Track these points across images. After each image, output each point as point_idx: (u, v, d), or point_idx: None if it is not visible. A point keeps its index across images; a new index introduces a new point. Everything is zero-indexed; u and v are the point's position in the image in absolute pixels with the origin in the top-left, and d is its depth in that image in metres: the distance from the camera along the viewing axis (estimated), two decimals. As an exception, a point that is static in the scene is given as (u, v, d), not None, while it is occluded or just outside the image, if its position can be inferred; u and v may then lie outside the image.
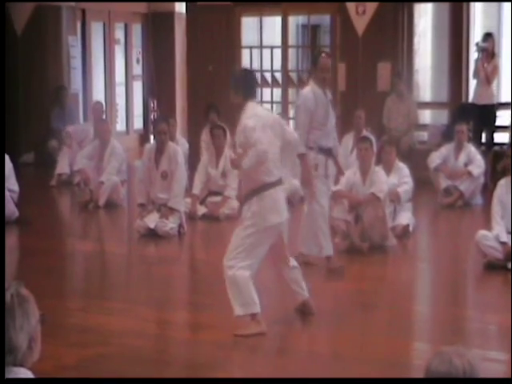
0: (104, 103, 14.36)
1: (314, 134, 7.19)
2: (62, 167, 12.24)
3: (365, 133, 10.79)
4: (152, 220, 8.83)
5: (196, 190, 9.96)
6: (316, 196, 7.22)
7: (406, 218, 8.84)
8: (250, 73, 6.12)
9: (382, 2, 12.73)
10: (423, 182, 10.21)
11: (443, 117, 13.09)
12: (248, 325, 5.60)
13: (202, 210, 9.87)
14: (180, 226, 8.95)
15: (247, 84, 5.76)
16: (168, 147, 9.07)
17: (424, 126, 13.15)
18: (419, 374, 4.85)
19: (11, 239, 9.31)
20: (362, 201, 8.18)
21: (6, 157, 9.47)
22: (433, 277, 7.51)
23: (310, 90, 7.25)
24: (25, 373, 2.65)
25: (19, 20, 14.42)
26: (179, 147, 9.66)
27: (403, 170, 9.03)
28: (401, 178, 8.96)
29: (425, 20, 13.65)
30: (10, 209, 9.40)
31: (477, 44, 11.98)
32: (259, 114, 5.73)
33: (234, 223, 9.73)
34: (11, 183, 9.51)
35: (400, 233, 8.62)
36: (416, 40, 13.31)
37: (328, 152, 7.31)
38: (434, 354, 2.39)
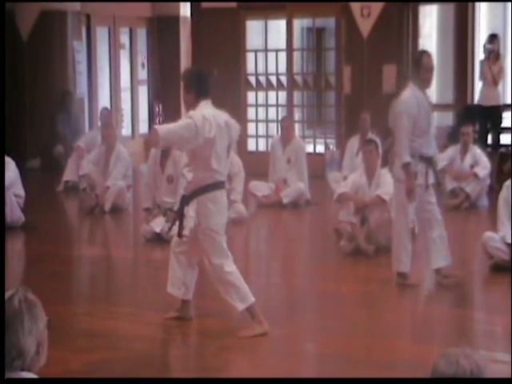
0: (109, 108, 14.39)
1: (416, 141, 6.74)
2: (70, 174, 12.26)
3: (370, 135, 10.79)
4: (158, 224, 8.83)
5: (202, 193, 9.94)
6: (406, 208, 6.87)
7: (411, 220, 8.81)
8: (202, 73, 6.09)
9: (387, 1, 12.72)
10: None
11: (449, 118, 13.07)
12: (251, 326, 5.60)
13: (207, 213, 9.86)
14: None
15: (200, 83, 5.74)
16: (173, 151, 9.07)
17: (429, 128, 13.12)
18: (425, 376, 4.85)
19: (17, 244, 9.33)
20: (368, 203, 8.18)
21: (13, 162, 9.48)
22: (438, 279, 7.48)
23: (411, 94, 6.79)
24: (32, 377, 2.66)
25: (25, 25, 14.46)
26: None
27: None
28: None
29: (430, 21, 13.65)
30: (17, 214, 9.42)
31: (484, 46, 11.98)
32: (210, 112, 5.72)
33: (240, 226, 9.79)
34: (17, 188, 9.53)
35: (406, 235, 8.58)
36: (421, 41, 13.30)
37: (429, 161, 6.90)
38: (439, 356, 2.38)
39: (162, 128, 5.68)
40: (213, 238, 5.69)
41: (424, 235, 7.12)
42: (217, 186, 5.71)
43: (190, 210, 5.81)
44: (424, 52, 7.16)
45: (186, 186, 5.98)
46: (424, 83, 6.84)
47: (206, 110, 5.69)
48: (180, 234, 5.78)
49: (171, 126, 5.66)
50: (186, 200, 5.77)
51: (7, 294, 2.67)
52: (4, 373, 2.62)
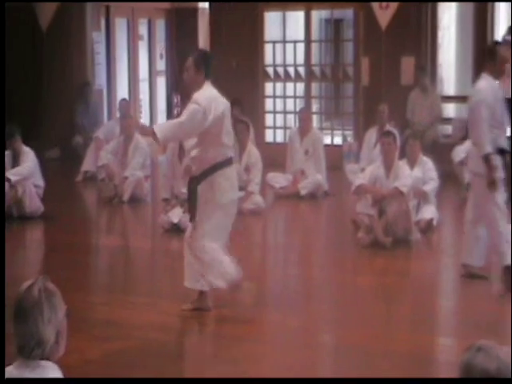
0: (128, 99, 14.42)
1: (493, 132, 6.50)
2: (89, 165, 12.31)
3: (388, 127, 10.76)
4: (176, 215, 8.85)
5: (219, 184, 9.96)
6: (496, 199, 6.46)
7: (430, 212, 8.80)
8: (209, 54, 6.26)
9: (405, 1, 12.69)
10: (447, 175, 10.16)
11: (467, 110, 12.99)
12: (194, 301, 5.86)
13: (225, 204, 9.87)
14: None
15: (208, 64, 5.87)
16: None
17: (448, 120, 13.08)
18: (443, 369, 4.85)
19: (37, 234, 9.40)
20: (386, 195, 8.16)
21: (32, 152, 9.54)
22: (456, 271, 7.47)
23: (486, 84, 6.54)
24: (52, 366, 2.69)
25: (44, 17, 14.51)
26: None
27: (428, 164, 8.99)
28: (426, 172, 8.91)
29: (449, 13, 13.57)
30: (36, 204, 9.47)
31: (504, 37, 11.89)
32: (213, 90, 5.89)
33: (258, 218, 9.80)
34: (37, 178, 9.59)
35: (424, 227, 8.58)
36: (440, 34, 13.23)
37: (503, 153, 6.61)
38: (470, 350, 2.30)
39: (162, 129, 5.71)
40: (217, 216, 5.73)
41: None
42: (228, 162, 5.83)
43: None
44: (501, 42, 6.94)
45: (196, 166, 5.92)
46: (499, 74, 6.64)
47: (210, 89, 5.84)
48: (193, 216, 5.78)
49: (174, 123, 5.79)
50: (197, 180, 5.79)
51: (27, 283, 2.69)
52: (4, 372, 2.64)
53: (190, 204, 5.85)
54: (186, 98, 17.18)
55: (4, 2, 12.92)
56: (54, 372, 2.69)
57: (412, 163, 8.84)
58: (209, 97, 5.75)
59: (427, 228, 8.64)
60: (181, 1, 16.49)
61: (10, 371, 2.70)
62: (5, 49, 14.02)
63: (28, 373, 2.65)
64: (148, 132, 5.88)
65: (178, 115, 13.70)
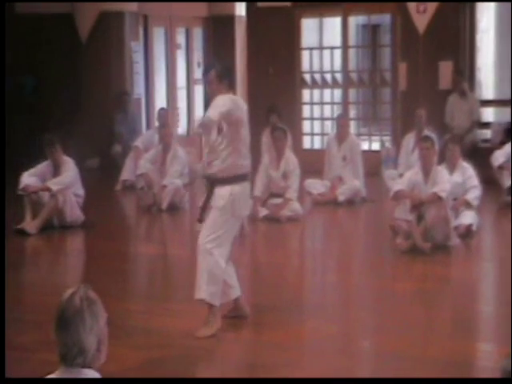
0: (166, 107, 14.53)
1: None
2: (128, 174, 12.42)
3: (426, 132, 10.71)
4: (214, 222, 8.88)
5: (257, 191, 10.01)
6: None
7: (469, 217, 8.74)
8: (231, 66, 6.25)
9: (443, 1, 12.61)
10: (487, 180, 10.08)
11: (507, 114, 12.89)
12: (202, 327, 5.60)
13: (263, 211, 9.92)
14: (242, 227, 8.99)
15: (231, 75, 5.89)
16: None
17: (487, 124, 12.98)
18: (483, 375, 4.81)
19: (77, 243, 9.50)
20: (425, 200, 8.12)
21: (72, 162, 9.65)
22: (497, 276, 7.41)
23: None
24: (93, 374, 2.72)
25: (83, 27, 14.68)
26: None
27: (468, 170, 8.91)
28: (467, 180, 8.84)
29: (487, 17, 13.47)
30: (76, 213, 9.58)
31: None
32: (239, 101, 5.85)
33: (296, 225, 9.82)
34: (77, 188, 9.69)
35: (463, 232, 8.52)
36: (478, 37, 13.14)
37: None
38: (508, 356, 2.28)
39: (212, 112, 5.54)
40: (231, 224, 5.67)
41: None
42: (248, 176, 5.78)
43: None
44: None
45: (219, 168, 5.67)
46: None
47: (235, 97, 5.83)
48: (202, 220, 5.72)
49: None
50: (217, 182, 5.66)
51: (68, 292, 2.73)
52: (4, 372, 2.67)
53: (206, 202, 5.74)
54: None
55: (4, 1, 13.02)
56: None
57: (451, 168, 8.79)
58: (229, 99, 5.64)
59: (466, 233, 8.58)
60: (220, 0, 16.53)
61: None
62: (5, 49, 14.15)
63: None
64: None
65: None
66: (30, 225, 9.23)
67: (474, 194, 8.80)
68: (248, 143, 5.78)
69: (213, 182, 5.69)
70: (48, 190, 9.40)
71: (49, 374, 2.77)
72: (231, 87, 5.80)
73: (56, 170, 9.54)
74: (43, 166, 9.59)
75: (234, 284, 5.87)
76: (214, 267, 5.60)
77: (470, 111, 12.58)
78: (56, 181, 9.43)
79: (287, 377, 4.90)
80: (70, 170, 9.56)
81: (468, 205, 8.75)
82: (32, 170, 9.56)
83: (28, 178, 9.45)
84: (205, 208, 5.72)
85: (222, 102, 5.52)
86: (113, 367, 4.73)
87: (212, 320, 5.62)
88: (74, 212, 9.55)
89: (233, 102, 5.60)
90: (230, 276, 5.83)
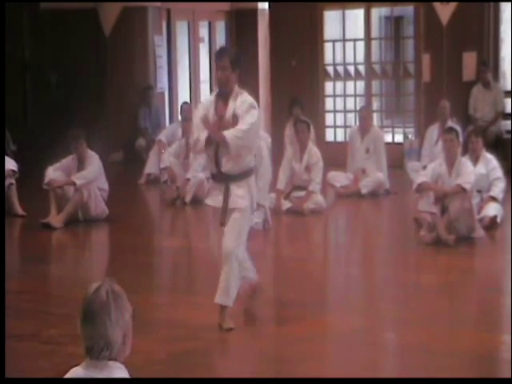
0: (189, 101, 14.57)
1: None
2: (151, 167, 12.48)
3: (450, 123, 10.67)
4: (237, 215, 8.90)
5: (280, 184, 10.02)
6: None
7: (493, 209, 8.70)
8: (243, 55, 5.90)
9: (463, 1, 12.55)
10: (511, 171, 10.03)
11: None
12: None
13: (286, 204, 9.93)
14: (265, 220, 9.02)
15: (242, 65, 5.60)
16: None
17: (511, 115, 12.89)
18: (507, 368, 4.80)
19: (102, 236, 9.57)
20: (449, 192, 8.09)
21: (97, 156, 9.71)
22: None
23: None
24: (119, 366, 2.74)
25: (107, 22, 14.75)
26: (263, 142, 9.73)
27: (492, 162, 8.87)
28: (491, 172, 8.80)
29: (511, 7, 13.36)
30: (101, 207, 9.64)
31: None
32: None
33: (319, 217, 9.82)
34: (101, 182, 9.75)
35: (487, 224, 8.49)
36: (502, 27, 13.05)
37: None
38: None
39: (231, 136, 5.37)
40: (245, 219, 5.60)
41: None
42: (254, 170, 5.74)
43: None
44: None
45: (231, 165, 5.53)
46: None
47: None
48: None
49: (243, 129, 5.40)
50: (232, 179, 5.52)
51: (94, 286, 2.76)
52: (4, 372, 2.70)
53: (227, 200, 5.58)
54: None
55: (4, 2, 13.06)
56: (121, 372, 2.75)
57: (475, 160, 8.75)
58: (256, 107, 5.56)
59: (491, 225, 8.54)
60: (239, 0, 16.55)
61: (77, 371, 2.77)
62: (5, 49, 14.21)
63: (96, 373, 2.72)
64: (219, 137, 5.46)
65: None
66: (55, 219, 9.31)
67: (498, 187, 8.75)
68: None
69: (227, 180, 5.53)
70: (73, 184, 9.47)
71: (75, 366, 2.80)
72: (239, 77, 5.58)
73: (80, 165, 9.61)
74: (68, 161, 9.66)
75: (250, 267, 5.83)
76: (238, 271, 5.60)
77: (493, 102, 12.50)
78: (80, 175, 9.50)
79: (311, 370, 4.92)
80: (94, 164, 9.62)
81: (495, 199, 8.70)
82: (57, 165, 9.64)
83: (53, 173, 9.53)
84: (225, 210, 5.55)
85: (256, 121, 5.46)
86: (138, 360, 4.78)
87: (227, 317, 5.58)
88: (98, 206, 9.61)
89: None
90: (246, 260, 5.77)
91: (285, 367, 5.01)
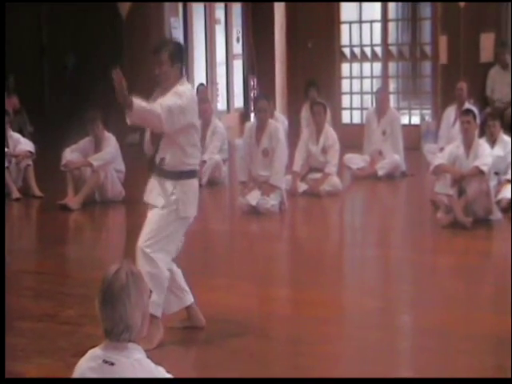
0: (205, 83, 14.54)
1: None
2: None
3: (467, 105, 10.61)
4: (253, 197, 8.94)
5: (297, 166, 10.02)
6: None
7: (511, 191, 8.66)
8: (183, 50, 5.45)
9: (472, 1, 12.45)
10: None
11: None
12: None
13: (302, 186, 9.93)
14: (281, 202, 9.04)
15: (183, 58, 5.24)
16: (269, 125, 9.15)
17: (530, 97, 12.81)
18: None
19: (119, 218, 9.61)
20: (466, 174, 8.06)
21: (113, 138, 9.73)
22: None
23: None
24: (137, 348, 2.77)
25: (124, 4, 14.73)
26: (279, 124, 9.73)
27: (509, 144, 8.83)
28: (508, 153, 8.75)
29: (530, -13, 13.25)
30: (117, 189, 9.68)
31: None
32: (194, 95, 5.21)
33: (335, 199, 9.81)
34: (118, 163, 9.78)
35: (505, 206, 8.45)
36: (520, 8, 12.95)
37: None
38: None
39: (138, 105, 4.98)
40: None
41: None
42: (196, 173, 5.35)
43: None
44: None
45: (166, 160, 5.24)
46: None
47: (189, 87, 5.17)
48: None
49: (153, 106, 5.00)
50: (164, 175, 5.24)
51: (114, 268, 2.78)
52: (4, 372, 2.72)
53: None
54: (262, 81, 17.11)
55: (4, 1, 13.05)
56: (139, 353, 2.78)
57: (492, 142, 8.71)
58: (191, 97, 5.04)
59: (508, 207, 8.50)
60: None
61: (96, 352, 2.79)
62: (5, 48, 14.22)
63: (115, 354, 2.75)
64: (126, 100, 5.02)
65: (255, 98, 13.67)
66: (72, 200, 9.35)
67: None
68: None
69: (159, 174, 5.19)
70: (90, 165, 9.51)
71: (93, 347, 2.83)
72: (181, 73, 5.10)
73: (97, 146, 9.64)
74: (85, 142, 9.70)
75: (187, 288, 5.22)
76: (156, 273, 4.90)
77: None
78: (97, 156, 9.53)
79: (327, 352, 4.94)
80: (111, 145, 9.65)
81: (510, 181, 8.66)
82: (74, 146, 9.67)
83: (70, 154, 9.57)
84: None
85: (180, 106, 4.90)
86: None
87: (154, 332, 4.85)
88: (115, 187, 9.65)
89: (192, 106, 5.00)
90: (181, 279, 5.21)
91: (301, 349, 5.02)
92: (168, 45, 5.14)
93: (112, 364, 2.72)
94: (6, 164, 10.06)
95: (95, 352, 2.79)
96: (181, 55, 5.13)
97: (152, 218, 5.12)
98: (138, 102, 4.93)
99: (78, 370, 2.80)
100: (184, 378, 4.64)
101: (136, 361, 2.74)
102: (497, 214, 8.13)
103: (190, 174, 5.19)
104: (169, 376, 2.83)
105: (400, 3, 16.45)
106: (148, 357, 2.81)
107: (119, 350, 2.75)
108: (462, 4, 12.70)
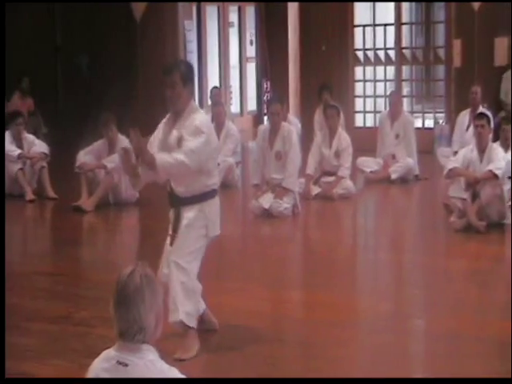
0: (219, 86, 14.57)
1: None
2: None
3: (481, 109, 10.59)
4: (267, 200, 8.95)
5: (310, 170, 10.03)
6: None
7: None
8: (193, 70, 5.25)
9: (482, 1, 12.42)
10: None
11: None
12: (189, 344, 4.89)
13: (315, 190, 9.94)
14: (294, 206, 9.05)
15: (194, 79, 5.21)
16: (282, 128, 9.16)
17: (544, 101, 12.77)
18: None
19: (132, 220, 9.64)
20: (480, 178, 8.05)
21: (127, 140, 9.75)
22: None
23: None
24: (151, 349, 2.78)
25: (138, 6, 14.78)
26: (293, 127, 9.73)
27: (523, 148, 8.81)
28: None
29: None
30: (131, 191, 9.64)
31: None
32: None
33: (348, 203, 9.81)
34: (132, 166, 9.80)
35: (519, 211, 8.43)
36: (535, 12, 12.91)
37: None
38: None
39: (162, 162, 4.85)
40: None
41: None
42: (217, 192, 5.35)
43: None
44: None
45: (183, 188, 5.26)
46: None
47: (202, 112, 5.10)
48: None
49: (177, 157, 4.85)
50: (183, 202, 5.23)
51: (128, 270, 2.79)
52: (4, 373, 2.73)
53: None
54: (275, 84, 17.09)
55: (4, 1, 13.09)
56: (152, 355, 2.80)
57: (506, 146, 8.67)
58: (208, 124, 5.01)
59: (522, 212, 8.47)
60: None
61: (109, 353, 2.81)
62: (5, 48, 14.26)
63: (129, 356, 2.77)
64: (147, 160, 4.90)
65: (268, 101, 13.67)
66: (86, 202, 9.39)
67: None
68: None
69: (178, 203, 5.20)
70: (103, 167, 9.54)
71: (107, 348, 2.84)
72: (193, 92, 5.08)
73: (111, 148, 9.68)
74: (99, 144, 9.74)
75: (200, 298, 5.18)
76: (190, 284, 4.93)
77: (526, 88, 12.39)
78: (111, 159, 9.56)
79: (339, 355, 4.94)
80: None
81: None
82: (88, 148, 9.72)
83: (84, 156, 9.61)
84: (175, 231, 5.17)
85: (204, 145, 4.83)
86: (168, 344, 4.83)
87: (191, 343, 4.87)
88: (128, 189, 9.67)
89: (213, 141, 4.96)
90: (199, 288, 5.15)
91: (313, 352, 5.03)
92: (179, 66, 5.02)
93: (126, 365, 2.73)
94: (21, 166, 10.12)
95: (109, 353, 2.81)
96: (192, 76, 5.04)
97: (181, 235, 5.13)
98: (159, 157, 4.85)
99: (92, 370, 2.82)
100: (195, 378, 4.68)
101: (150, 362, 2.75)
102: (510, 218, 8.11)
103: (214, 193, 5.24)
104: (183, 377, 2.84)
105: (414, 7, 16.45)
106: (161, 358, 2.82)
107: (133, 351, 2.76)
108: (476, 7, 12.68)
